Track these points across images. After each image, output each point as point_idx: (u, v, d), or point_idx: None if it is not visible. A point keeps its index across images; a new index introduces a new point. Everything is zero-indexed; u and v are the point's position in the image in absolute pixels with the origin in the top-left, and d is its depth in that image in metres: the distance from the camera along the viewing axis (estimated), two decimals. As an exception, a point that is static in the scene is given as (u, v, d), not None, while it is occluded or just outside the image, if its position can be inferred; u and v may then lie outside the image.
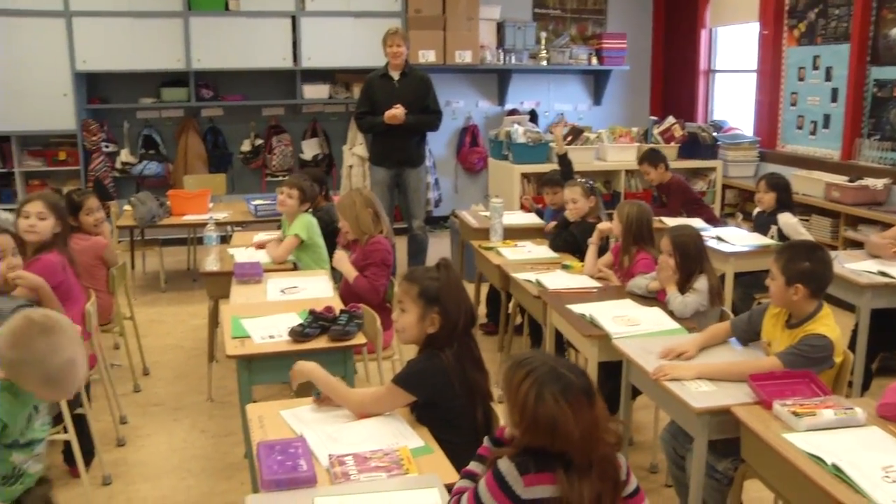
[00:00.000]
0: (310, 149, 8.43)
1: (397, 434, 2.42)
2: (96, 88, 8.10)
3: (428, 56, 8.07)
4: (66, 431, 3.26)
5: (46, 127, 7.80)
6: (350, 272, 4.07)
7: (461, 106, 8.87)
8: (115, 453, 3.87)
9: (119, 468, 3.74)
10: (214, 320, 4.55)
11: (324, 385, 2.60)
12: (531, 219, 5.78)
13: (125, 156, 8.14)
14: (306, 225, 4.63)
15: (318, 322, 3.20)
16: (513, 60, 8.55)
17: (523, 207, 6.61)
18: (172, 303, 6.33)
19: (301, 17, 7.93)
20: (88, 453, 3.55)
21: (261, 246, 4.80)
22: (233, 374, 4.59)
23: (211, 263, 4.44)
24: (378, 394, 2.56)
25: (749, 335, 3.05)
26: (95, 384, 4.03)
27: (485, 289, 5.40)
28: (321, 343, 3.16)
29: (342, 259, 4.13)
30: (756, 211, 5.44)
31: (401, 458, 2.25)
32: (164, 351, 5.26)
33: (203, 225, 6.02)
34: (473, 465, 2.01)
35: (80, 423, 3.43)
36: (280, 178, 7.84)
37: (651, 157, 6.17)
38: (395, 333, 2.64)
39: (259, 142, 8.39)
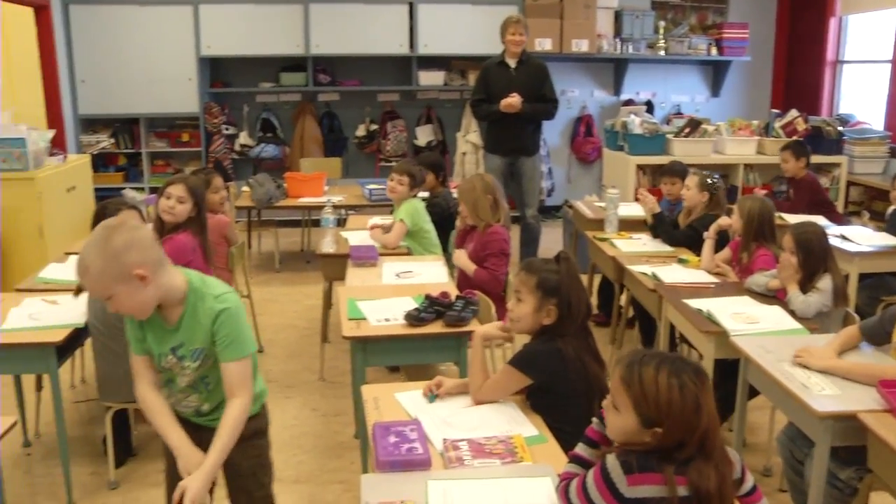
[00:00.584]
0: (424, 135, 8.51)
1: (511, 421, 2.43)
2: (219, 73, 8.38)
3: (544, 44, 8.02)
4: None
5: (172, 110, 8.14)
6: (469, 267, 4.07)
7: (576, 95, 8.78)
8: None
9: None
10: (328, 302, 4.65)
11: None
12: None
13: (244, 138, 8.40)
14: (411, 211, 4.66)
15: (434, 307, 3.23)
16: (630, 50, 8.41)
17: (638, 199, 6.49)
18: (286, 283, 6.51)
19: (419, 3, 8.00)
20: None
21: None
22: (344, 355, 4.74)
23: (327, 245, 4.54)
24: (494, 378, 2.57)
25: (879, 340, 2.91)
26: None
27: (597, 280, 5.35)
28: (436, 328, 3.19)
29: (460, 256, 4.14)
30: (891, 209, 5.20)
31: (515, 445, 2.26)
32: (278, 330, 5.41)
33: (318, 207, 6.20)
34: (581, 449, 2.00)
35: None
36: (394, 163, 7.95)
37: (796, 148, 6.05)
38: (510, 323, 2.63)
39: (374, 127, 8.53)
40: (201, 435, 2.29)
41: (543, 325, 2.54)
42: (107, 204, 3.58)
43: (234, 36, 7.96)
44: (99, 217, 3.43)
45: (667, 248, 4.64)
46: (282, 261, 6.97)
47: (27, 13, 6.57)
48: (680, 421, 1.73)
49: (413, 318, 3.20)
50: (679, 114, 8.61)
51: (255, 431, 2.43)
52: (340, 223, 5.55)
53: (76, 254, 4.27)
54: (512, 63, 6.17)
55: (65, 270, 4.13)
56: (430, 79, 8.25)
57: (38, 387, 4.00)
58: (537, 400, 2.51)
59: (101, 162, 8.12)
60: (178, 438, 2.25)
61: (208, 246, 3.91)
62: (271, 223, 6.97)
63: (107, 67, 8.00)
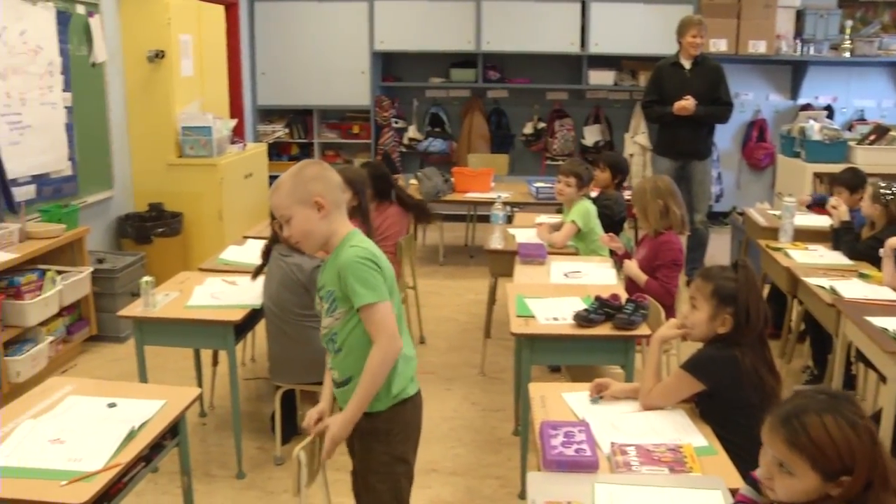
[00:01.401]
0: (591, 135, 8.43)
1: (679, 429, 2.38)
2: (390, 67, 8.61)
3: (719, 45, 7.76)
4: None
5: (344, 102, 8.42)
6: (640, 277, 3.97)
7: (750, 98, 8.45)
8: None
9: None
10: (493, 297, 4.68)
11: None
12: (823, 221, 5.39)
13: (412, 132, 8.59)
14: (583, 213, 4.62)
15: (604, 308, 3.21)
16: (811, 51, 8.00)
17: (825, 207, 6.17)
18: (449, 276, 6.61)
19: (591, 2, 7.91)
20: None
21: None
22: (504, 351, 4.77)
23: (495, 241, 4.58)
24: (665, 382, 2.53)
25: None
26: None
27: (765, 290, 5.15)
28: (605, 330, 3.16)
29: (630, 266, 4.04)
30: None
31: (684, 455, 2.20)
32: (440, 322, 5.51)
33: (484, 203, 6.26)
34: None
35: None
36: (560, 162, 7.92)
37: None
38: (683, 330, 2.57)
39: (541, 125, 8.52)
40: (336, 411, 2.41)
41: (718, 334, 2.47)
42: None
43: (406, 31, 8.15)
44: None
45: (846, 262, 4.40)
46: (446, 254, 7.09)
47: (219, 11, 6.97)
48: (866, 461, 1.61)
49: (582, 319, 3.18)
50: (863, 120, 8.12)
51: (375, 431, 2.36)
52: (507, 220, 5.58)
53: (253, 238, 4.57)
54: (687, 64, 6.01)
55: (243, 253, 4.36)
56: (599, 78, 8.15)
57: (214, 361, 4.25)
58: (707, 408, 2.45)
59: (275, 150, 8.48)
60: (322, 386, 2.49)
61: (372, 236, 4.02)
62: (437, 216, 7.08)
63: (285, 61, 8.38)
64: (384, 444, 2.37)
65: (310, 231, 2.32)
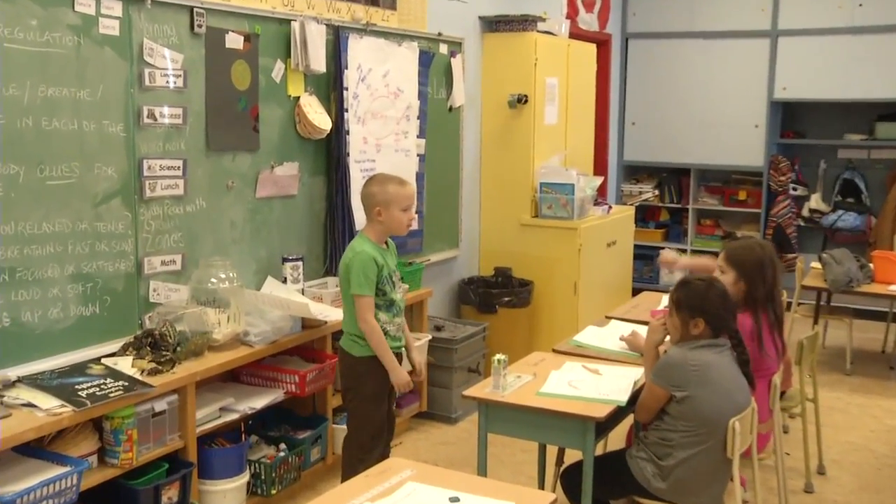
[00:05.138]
0: None
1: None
2: (792, 120, 8.36)
3: None
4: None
5: (730, 161, 8.34)
6: None
7: None
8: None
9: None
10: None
11: None
12: None
13: (815, 202, 8.22)
14: None
15: None
16: None
17: None
18: (859, 390, 6.18)
19: None
20: None
21: None
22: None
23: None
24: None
25: None
26: (764, 469, 4.10)
27: None
28: None
29: None
30: None
31: None
32: (845, 450, 5.13)
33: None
34: None
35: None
36: None
37: None
38: None
39: None
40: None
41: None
42: (689, 281, 3.65)
43: (816, 75, 7.87)
44: (686, 288, 3.55)
45: None
46: (854, 360, 6.64)
47: (590, 50, 7.18)
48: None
49: None
50: None
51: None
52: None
53: (618, 319, 4.58)
54: None
55: (604, 337, 4.37)
56: None
57: (559, 461, 4.27)
58: None
59: (640, 215, 8.54)
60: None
61: (780, 330, 3.87)
62: (845, 311, 6.68)
63: (660, 109, 8.48)
64: None
65: None
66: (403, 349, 4.12)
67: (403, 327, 4.10)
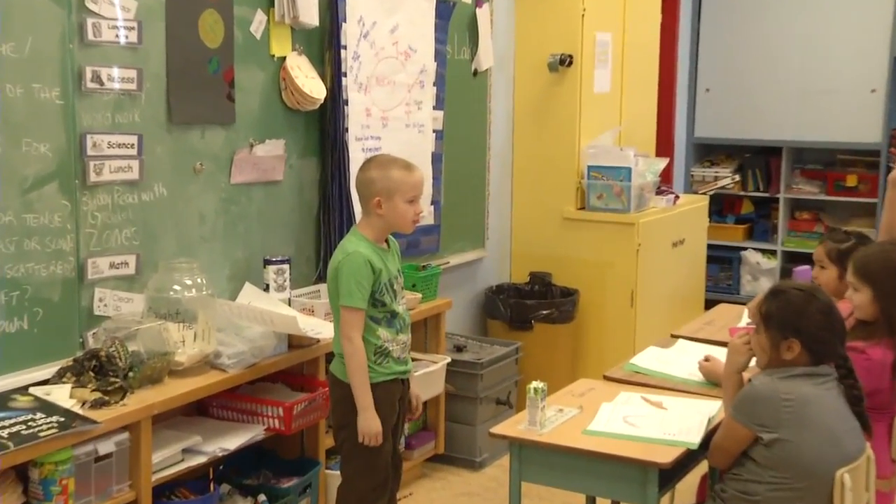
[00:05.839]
0: None
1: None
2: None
3: None
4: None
5: (835, 137, 8.25)
6: None
7: None
8: None
9: None
10: None
11: None
12: None
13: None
14: None
15: None
16: None
17: None
18: None
19: None
20: None
21: None
22: None
23: None
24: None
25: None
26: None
27: None
28: None
29: None
30: None
31: None
32: None
33: None
34: None
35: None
36: None
37: None
38: None
39: None
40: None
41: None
42: (784, 289, 3.57)
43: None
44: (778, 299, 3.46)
45: None
46: None
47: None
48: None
49: None
50: None
51: None
52: None
53: (687, 339, 4.51)
54: None
55: (668, 360, 4.32)
56: None
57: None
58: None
59: (715, 207, 8.48)
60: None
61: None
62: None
63: (742, 72, 8.42)
64: None
65: None
66: (408, 375, 4.11)
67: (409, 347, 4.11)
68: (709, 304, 6.31)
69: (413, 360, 4.73)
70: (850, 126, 8.12)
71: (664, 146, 7.85)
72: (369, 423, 3.81)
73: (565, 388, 4.01)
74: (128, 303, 4.07)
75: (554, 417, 3.63)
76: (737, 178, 8.68)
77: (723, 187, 8.64)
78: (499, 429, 3.67)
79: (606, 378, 4.20)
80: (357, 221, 4.23)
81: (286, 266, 4.66)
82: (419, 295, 5.06)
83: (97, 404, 3.57)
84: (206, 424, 4.22)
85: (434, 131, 5.59)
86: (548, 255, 6.32)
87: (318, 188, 4.95)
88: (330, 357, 4.14)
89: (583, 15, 6.18)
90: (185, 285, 4.07)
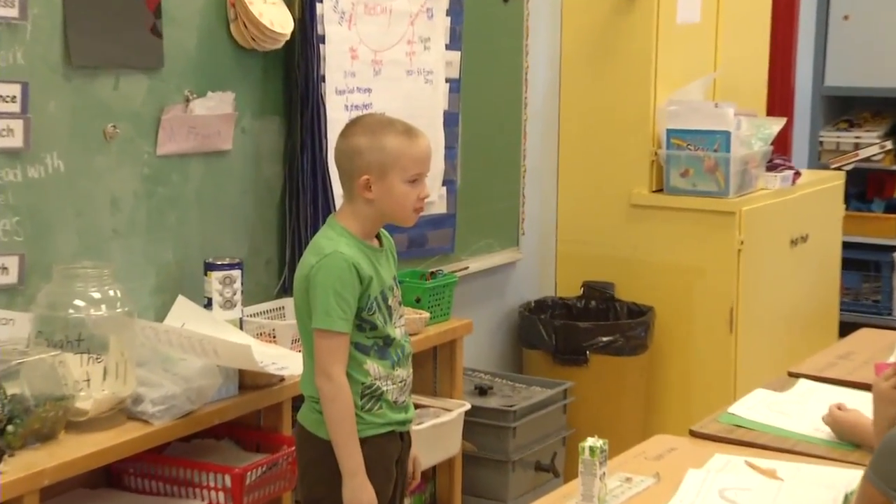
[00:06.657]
0: None
1: None
2: None
3: None
4: None
5: None
6: None
7: None
8: None
9: None
10: None
11: None
12: None
13: None
14: None
15: None
16: None
17: None
18: None
19: None
20: None
21: None
22: None
23: None
24: None
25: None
26: None
27: None
28: None
29: None
30: None
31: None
32: None
33: None
34: None
35: None
36: None
37: None
38: None
39: None
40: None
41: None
42: None
43: None
44: None
45: None
46: None
47: None
48: None
49: None
50: None
51: None
52: None
53: (814, 379, 4.53)
54: None
55: (784, 409, 4.33)
56: None
57: None
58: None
59: (855, 188, 8.49)
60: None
61: None
62: None
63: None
64: None
65: None
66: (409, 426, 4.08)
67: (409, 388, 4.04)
68: (845, 329, 6.30)
69: (416, 406, 4.74)
70: None
71: (780, 101, 7.87)
72: (359, 495, 3.70)
73: (635, 447, 4.01)
74: (7, 325, 4.06)
75: (619, 490, 3.62)
76: (887, 145, 8.62)
77: (867, 159, 8.58)
78: (539, 506, 3.68)
79: (694, 434, 4.20)
80: (337, 209, 4.23)
81: (237, 272, 4.66)
82: (426, 314, 5.07)
83: (-39, 472, 3.60)
84: (120, 500, 4.24)
85: (447, 81, 5.61)
86: (609, 259, 6.35)
87: (282, 162, 4.99)
88: (298, 402, 4.10)
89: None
90: (90, 300, 4.02)
